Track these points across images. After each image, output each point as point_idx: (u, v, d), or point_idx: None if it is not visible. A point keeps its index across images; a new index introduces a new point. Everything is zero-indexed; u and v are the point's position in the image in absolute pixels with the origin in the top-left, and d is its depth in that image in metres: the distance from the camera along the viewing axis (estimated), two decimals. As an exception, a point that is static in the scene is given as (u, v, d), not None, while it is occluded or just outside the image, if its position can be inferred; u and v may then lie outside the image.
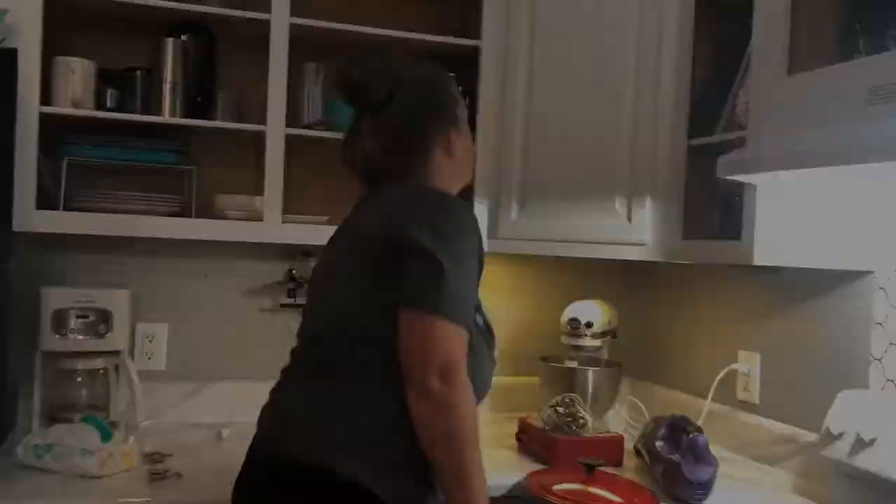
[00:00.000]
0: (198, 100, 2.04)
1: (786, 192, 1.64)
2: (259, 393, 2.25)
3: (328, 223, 2.00)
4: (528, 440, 2.01)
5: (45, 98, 1.87)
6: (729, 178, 1.54)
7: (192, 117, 2.00)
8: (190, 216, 2.02)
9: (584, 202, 2.01)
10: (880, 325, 1.68)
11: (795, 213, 1.65)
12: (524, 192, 2.08)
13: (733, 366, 2.04)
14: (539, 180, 2.07)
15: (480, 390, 1.31)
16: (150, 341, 2.17)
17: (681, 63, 1.93)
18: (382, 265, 1.26)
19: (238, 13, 2.00)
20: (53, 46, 1.90)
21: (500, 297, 2.46)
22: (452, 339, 1.21)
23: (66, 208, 1.92)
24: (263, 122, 1.99)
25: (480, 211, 2.11)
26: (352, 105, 1.41)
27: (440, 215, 1.28)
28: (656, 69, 1.95)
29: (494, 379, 1.42)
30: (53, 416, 1.92)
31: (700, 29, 1.93)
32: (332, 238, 1.44)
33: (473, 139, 1.53)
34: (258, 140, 2.03)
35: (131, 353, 2.11)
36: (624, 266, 2.45)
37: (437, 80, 1.46)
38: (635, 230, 1.96)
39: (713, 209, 1.89)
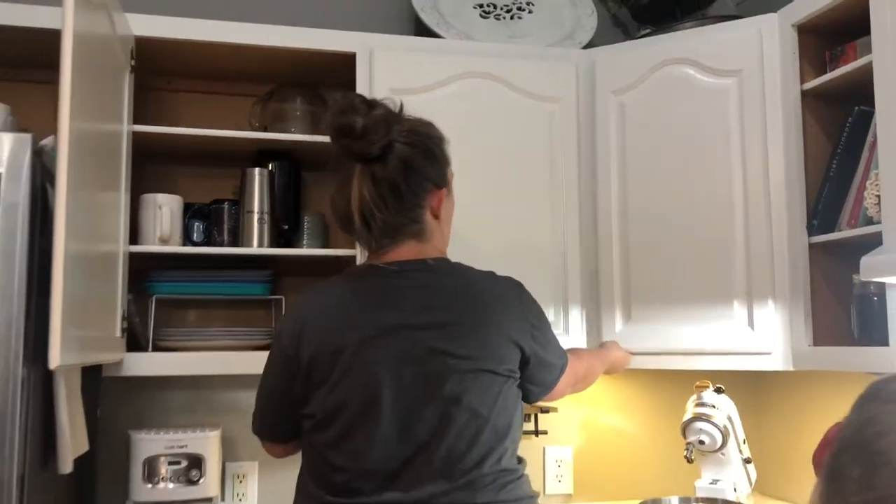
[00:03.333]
0: (284, 227, 1.99)
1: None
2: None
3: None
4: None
5: (134, 236, 1.84)
6: (875, 279, 1.39)
7: (278, 245, 1.95)
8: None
9: (697, 309, 1.86)
10: None
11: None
12: (627, 300, 1.95)
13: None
14: (643, 287, 1.93)
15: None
16: (241, 481, 2.06)
17: (790, 154, 1.81)
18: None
19: (321, 139, 1.96)
20: (139, 184, 1.88)
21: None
22: None
23: (153, 348, 1.86)
24: (351, 245, 1.92)
25: (581, 322, 1.98)
26: (347, 153, 1.33)
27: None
28: (764, 162, 1.82)
29: None
30: (145, 570, 1.80)
31: (808, 118, 1.81)
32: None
33: None
34: (344, 265, 1.96)
35: (222, 495, 2.01)
36: (745, 377, 2.26)
37: (431, 135, 1.40)
38: (759, 337, 1.80)
39: (845, 312, 1.73)
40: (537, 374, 1.42)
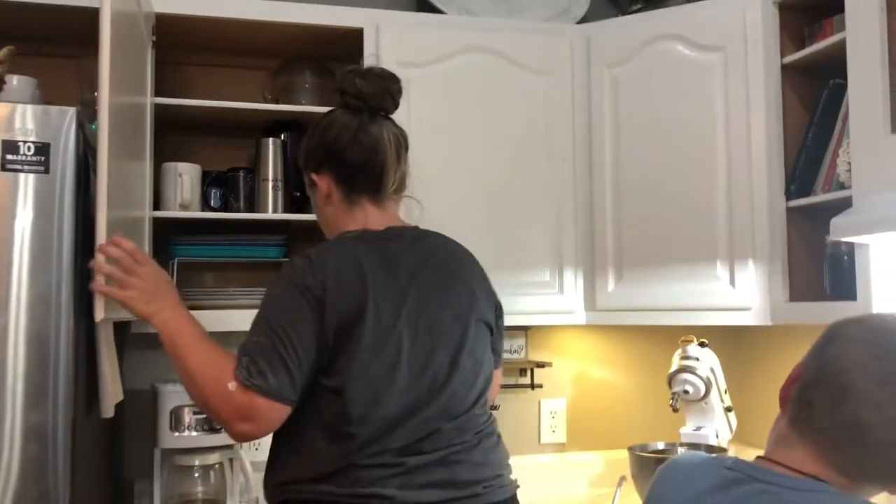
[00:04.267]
0: (297, 195, 2.11)
1: (899, 249, 1.62)
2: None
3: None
4: None
5: (156, 203, 1.96)
6: (844, 239, 1.53)
7: (291, 212, 2.07)
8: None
9: (684, 269, 2.00)
10: None
11: (912, 270, 1.62)
12: (619, 262, 2.10)
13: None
14: (634, 249, 2.08)
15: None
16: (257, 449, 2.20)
17: (770, 124, 1.94)
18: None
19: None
20: (160, 153, 2.00)
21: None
22: None
23: (176, 307, 1.99)
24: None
25: (576, 282, 2.13)
26: (380, 105, 1.49)
27: None
28: (746, 132, 1.96)
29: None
30: (172, 511, 1.95)
31: (788, 90, 1.94)
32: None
33: None
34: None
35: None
36: (727, 331, 2.41)
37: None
38: (739, 294, 1.95)
39: (819, 270, 1.87)
40: (498, 340, 1.58)
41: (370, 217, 1.48)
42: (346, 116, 1.48)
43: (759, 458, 1.07)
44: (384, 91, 1.48)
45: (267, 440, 2.21)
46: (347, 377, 1.34)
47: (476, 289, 1.51)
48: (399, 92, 1.51)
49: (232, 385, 1.31)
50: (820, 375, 1.02)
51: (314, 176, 1.51)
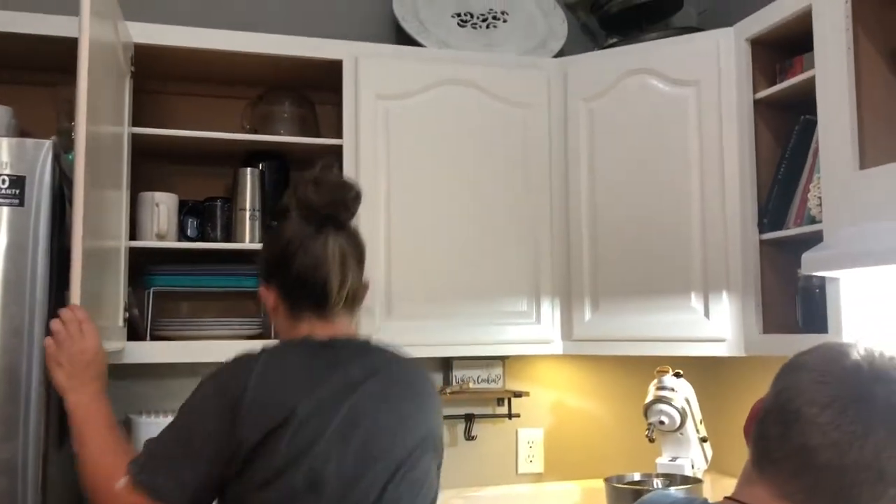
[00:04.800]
0: (273, 224, 2.11)
1: (869, 283, 1.64)
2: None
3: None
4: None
5: (132, 232, 1.95)
6: (815, 273, 1.55)
7: (269, 241, 2.07)
8: (269, 337, 2.06)
9: (659, 300, 2.02)
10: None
11: (882, 304, 1.65)
12: (596, 292, 2.11)
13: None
14: (610, 280, 2.09)
15: None
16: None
17: (743, 158, 1.97)
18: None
19: (309, 140, 2.09)
20: (137, 182, 1.99)
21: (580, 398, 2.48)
22: None
23: (151, 337, 1.98)
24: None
25: (553, 313, 2.14)
26: (325, 219, 1.38)
27: None
28: (720, 165, 1.99)
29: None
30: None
31: (760, 125, 1.97)
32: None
33: None
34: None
35: (215, 476, 2.12)
36: (701, 362, 2.43)
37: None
38: (714, 326, 1.96)
39: (792, 302, 1.90)
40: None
41: (316, 331, 1.38)
42: (295, 226, 1.39)
43: (726, 498, 1.07)
44: (336, 202, 1.39)
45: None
46: (262, 488, 1.24)
47: (428, 409, 1.42)
48: (356, 199, 1.41)
49: (122, 482, 1.27)
50: (772, 407, 1.03)
51: (262, 287, 1.44)
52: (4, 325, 1.39)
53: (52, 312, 1.41)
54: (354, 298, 1.41)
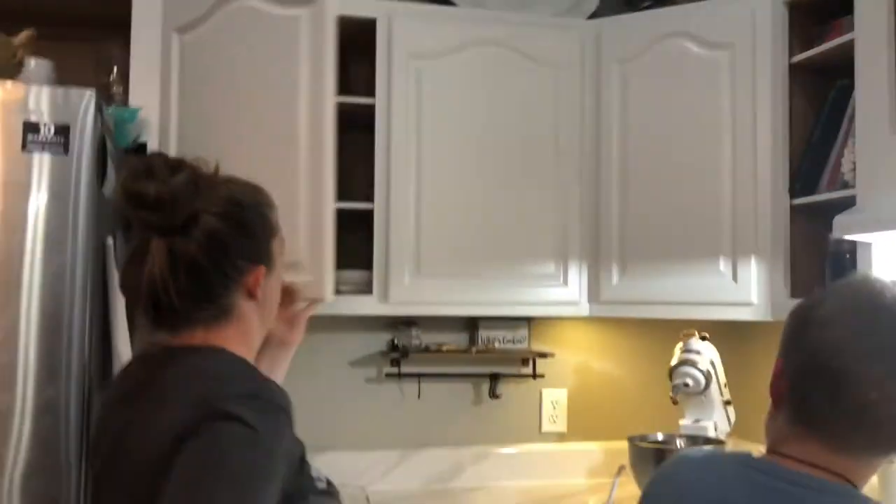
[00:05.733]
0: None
1: (900, 248, 1.64)
2: (362, 462, 2.32)
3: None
4: None
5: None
6: (847, 237, 1.55)
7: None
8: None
9: (687, 263, 2.03)
10: None
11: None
12: (624, 255, 2.12)
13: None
14: (638, 243, 2.10)
15: None
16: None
17: (776, 123, 1.96)
18: None
19: (341, 99, 2.10)
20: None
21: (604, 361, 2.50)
22: None
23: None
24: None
25: (580, 275, 2.16)
26: (142, 224, 1.12)
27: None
28: (753, 130, 1.98)
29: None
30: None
31: (795, 89, 1.96)
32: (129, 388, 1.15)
33: None
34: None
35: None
36: (728, 326, 2.44)
37: (253, 203, 1.20)
38: (741, 290, 1.97)
39: (820, 268, 1.90)
40: None
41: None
42: None
43: (772, 453, 1.04)
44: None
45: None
46: None
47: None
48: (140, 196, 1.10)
49: None
50: (807, 367, 1.00)
51: None
52: (46, 270, 1.43)
53: (93, 257, 1.45)
54: (185, 316, 1.15)
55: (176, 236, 1.11)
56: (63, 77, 1.88)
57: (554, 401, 2.46)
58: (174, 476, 0.98)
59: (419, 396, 2.34)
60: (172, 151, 1.88)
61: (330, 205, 1.90)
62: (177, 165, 1.12)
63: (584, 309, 2.18)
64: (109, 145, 1.50)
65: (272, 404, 1.05)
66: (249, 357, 1.18)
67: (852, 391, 0.95)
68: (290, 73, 1.89)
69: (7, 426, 1.42)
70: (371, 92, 2.09)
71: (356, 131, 2.10)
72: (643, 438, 2.16)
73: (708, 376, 2.11)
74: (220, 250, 1.13)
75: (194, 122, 1.97)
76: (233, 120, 1.92)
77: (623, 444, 2.13)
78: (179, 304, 1.11)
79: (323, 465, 2.20)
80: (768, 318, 1.96)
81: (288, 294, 1.34)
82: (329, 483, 1.21)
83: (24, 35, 1.63)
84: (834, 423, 0.98)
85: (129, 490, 1.05)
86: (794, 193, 1.93)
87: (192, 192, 1.11)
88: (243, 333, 1.18)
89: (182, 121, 1.98)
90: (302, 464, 1.12)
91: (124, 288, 1.19)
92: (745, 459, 1.05)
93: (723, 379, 2.18)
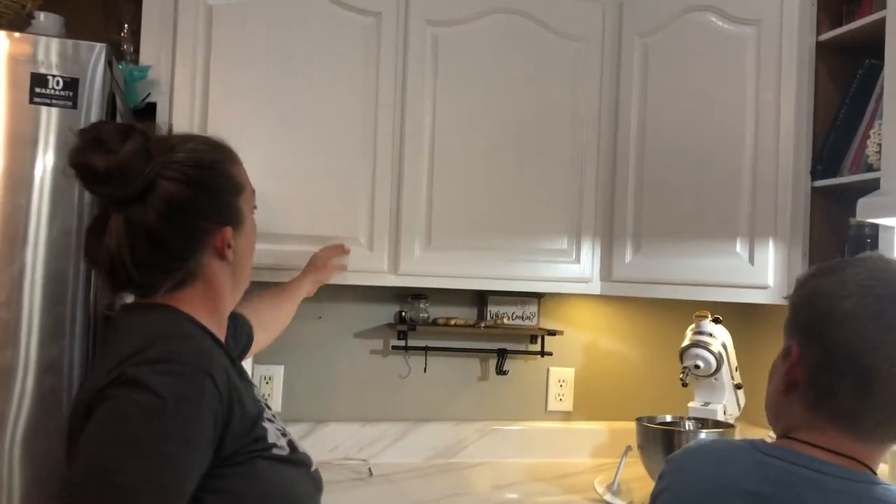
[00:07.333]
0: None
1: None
2: (366, 434, 2.30)
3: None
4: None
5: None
6: (870, 220, 1.51)
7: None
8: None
9: (703, 244, 1.99)
10: None
11: (936, 256, 1.61)
12: (638, 233, 2.09)
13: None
14: (654, 221, 2.07)
15: None
16: (268, 382, 2.22)
17: (801, 102, 1.91)
18: None
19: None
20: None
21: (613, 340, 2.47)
22: None
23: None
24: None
25: (593, 252, 2.12)
26: (99, 197, 1.10)
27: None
28: (776, 108, 1.93)
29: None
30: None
31: (821, 68, 1.91)
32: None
33: None
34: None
35: (249, 394, 2.16)
36: (741, 309, 2.40)
37: (212, 162, 1.15)
38: (758, 272, 1.93)
39: (840, 252, 1.86)
40: None
41: None
42: None
43: (791, 439, 1.02)
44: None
45: (278, 393, 2.24)
46: None
47: None
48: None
49: None
50: (830, 361, 0.97)
51: None
52: (52, 227, 1.41)
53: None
54: (146, 284, 1.13)
55: (133, 206, 1.08)
56: (73, 33, 1.85)
57: (561, 379, 2.44)
58: (82, 444, 0.99)
59: (425, 370, 2.32)
60: (183, 113, 1.85)
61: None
62: (126, 131, 1.07)
63: (595, 287, 2.15)
64: (119, 102, 1.46)
65: (188, 367, 1.02)
66: (216, 317, 1.17)
67: (882, 389, 0.94)
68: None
69: (9, 384, 1.40)
70: (386, 58, 2.05)
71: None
72: (651, 420, 2.13)
73: (720, 359, 2.08)
74: (180, 215, 1.10)
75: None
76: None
77: (629, 425, 2.11)
78: (140, 278, 1.10)
79: (326, 436, 2.24)
80: (784, 302, 1.92)
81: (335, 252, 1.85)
82: (294, 449, 1.17)
83: (34, -13, 1.59)
84: (861, 418, 0.97)
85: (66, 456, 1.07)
86: (815, 175, 1.88)
87: (144, 159, 1.06)
88: (211, 294, 1.16)
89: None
90: (253, 426, 1.09)
91: (87, 258, 1.15)
92: (761, 446, 1.03)
93: (734, 362, 2.15)
